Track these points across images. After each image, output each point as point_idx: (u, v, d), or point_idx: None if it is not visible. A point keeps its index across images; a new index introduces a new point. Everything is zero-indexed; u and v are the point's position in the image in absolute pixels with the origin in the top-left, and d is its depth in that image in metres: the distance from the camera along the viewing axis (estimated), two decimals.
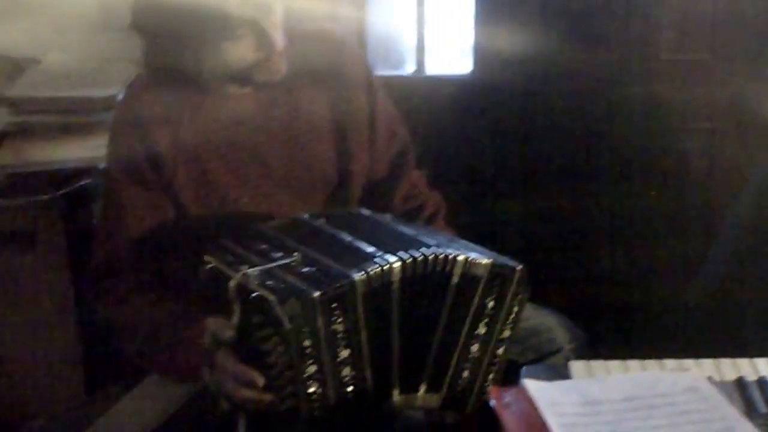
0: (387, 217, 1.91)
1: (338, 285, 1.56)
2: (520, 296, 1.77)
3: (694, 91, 3.17)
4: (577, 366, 1.66)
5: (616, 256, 3.31)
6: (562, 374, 1.63)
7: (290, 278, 1.59)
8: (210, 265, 1.69)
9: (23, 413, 2.63)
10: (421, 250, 1.67)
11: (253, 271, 1.59)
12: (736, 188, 2.94)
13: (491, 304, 1.73)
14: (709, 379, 1.54)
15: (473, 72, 3.27)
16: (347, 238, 1.74)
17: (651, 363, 1.66)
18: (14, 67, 2.99)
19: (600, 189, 3.28)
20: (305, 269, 1.62)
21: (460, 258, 1.68)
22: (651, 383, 1.52)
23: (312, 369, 1.56)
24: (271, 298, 1.53)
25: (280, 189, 2.06)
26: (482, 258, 1.70)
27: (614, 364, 1.66)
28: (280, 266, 1.62)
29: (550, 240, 3.23)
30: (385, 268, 1.61)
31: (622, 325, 3.09)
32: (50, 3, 2.98)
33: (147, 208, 2.00)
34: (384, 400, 1.69)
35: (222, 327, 1.65)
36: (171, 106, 2.00)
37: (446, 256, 1.67)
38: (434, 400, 1.74)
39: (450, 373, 1.74)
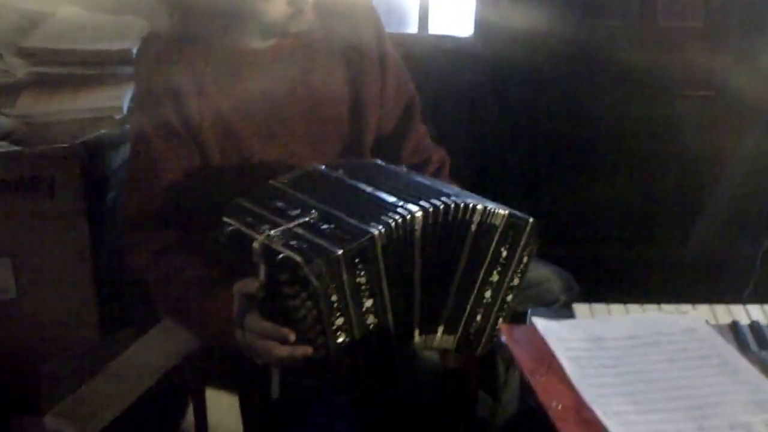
0: (403, 168, 1.97)
1: (359, 241, 1.62)
2: (530, 247, 1.85)
3: (689, 58, 3.19)
4: (580, 308, 1.75)
5: (613, 214, 3.36)
6: (567, 316, 1.71)
7: (312, 237, 1.64)
8: (231, 227, 1.74)
9: (41, 354, 2.66)
10: (441, 198, 1.73)
11: (275, 231, 1.65)
12: (729, 152, 3.03)
13: (505, 252, 1.81)
14: (706, 321, 1.63)
15: (474, 34, 3.30)
16: (367, 188, 1.80)
17: (650, 307, 1.75)
18: (28, 19, 3.01)
19: (596, 148, 3.33)
20: (324, 226, 1.67)
21: (479, 207, 1.75)
22: (652, 323, 1.60)
23: (340, 321, 1.63)
24: (298, 259, 1.58)
25: (300, 143, 2.11)
26: (499, 208, 1.77)
27: (615, 307, 1.75)
28: (300, 224, 1.67)
29: (550, 194, 3.29)
30: (407, 217, 1.68)
31: (618, 279, 3.14)
32: None
33: (176, 159, 2.03)
34: (406, 341, 1.76)
35: (249, 286, 1.70)
36: (195, 60, 2.03)
37: (466, 205, 1.74)
38: (450, 341, 1.82)
39: (465, 316, 1.82)
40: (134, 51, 2.78)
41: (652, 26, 3.23)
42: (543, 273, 2.23)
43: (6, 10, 3.06)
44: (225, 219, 1.76)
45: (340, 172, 1.89)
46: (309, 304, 1.61)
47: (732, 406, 1.38)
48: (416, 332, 1.77)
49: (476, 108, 3.30)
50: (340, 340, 1.65)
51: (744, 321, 1.70)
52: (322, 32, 2.10)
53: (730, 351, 1.52)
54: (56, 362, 2.60)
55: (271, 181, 1.86)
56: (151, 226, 2.04)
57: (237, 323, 1.75)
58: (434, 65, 3.21)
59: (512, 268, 1.84)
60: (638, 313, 1.71)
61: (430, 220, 1.71)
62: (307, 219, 1.68)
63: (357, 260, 1.62)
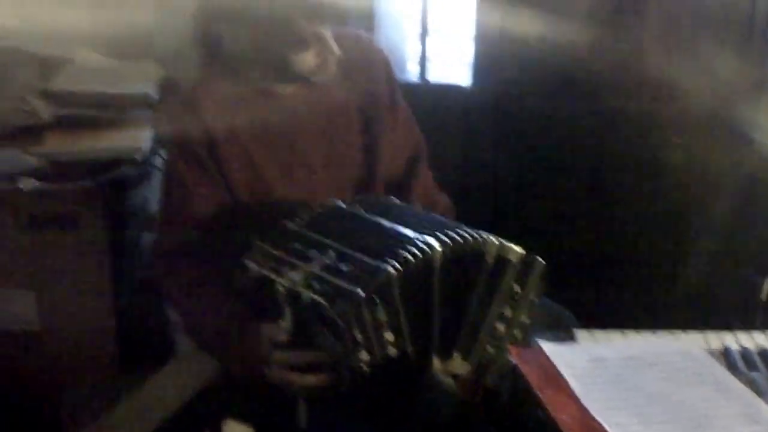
0: (418, 205, 2.08)
1: (377, 280, 1.68)
2: (539, 287, 1.93)
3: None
4: (581, 334, 1.87)
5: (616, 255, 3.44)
6: (569, 340, 1.83)
7: (332, 278, 1.71)
8: (253, 271, 1.81)
9: (62, 385, 2.77)
10: (458, 231, 1.81)
11: (297, 275, 1.73)
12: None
13: (518, 289, 1.88)
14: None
15: (473, 83, 3.40)
16: (386, 222, 1.87)
17: (646, 333, 1.87)
18: (48, 64, 3.11)
19: (596, 190, 3.41)
20: (343, 266, 1.73)
21: (495, 241, 1.83)
22: (649, 346, 1.71)
23: (365, 356, 1.70)
24: (323, 301, 1.66)
25: (318, 182, 2.20)
26: (514, 247, 1.86)
27: (613, 334, 1.87)
28: (320, 266, 1.74)
29: (549, 236, 3.34)
30: (426, 250, 1.75)
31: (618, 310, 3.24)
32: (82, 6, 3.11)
33: (208, 189, 2.12)
34: (425, 367, 1.82)
35: (276, 332, 1.80)
36: (226, 100, 2.13)
37: (483, 238, 1.82)
38: (467, 367, 1.88)
39: (478, 345, 1.88)
40: (152, 95, 2.91)
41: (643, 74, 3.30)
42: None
43: (27, 55, 3.15)
44: (246, 262, 1.83)
45: (358, 207, 1.96)
46: (335, 342, 1.69)
47: (726, 419, 1.48)
48: (435, 358, 1.83)
49: (476, 155, 3.38)
50: (365, 371, 1.71)
51: (734, 347, 1.80)
52: (340, 79, 2.19)
53: (722, 371, 1.63)
54: (77, 393, 2.69)
55: (287, 223, 1.91)
56: (184, 257, 2.13)
57: (266, 362, 1.85)
58: (434, 114, 3.28)
59: (523, 306, 1.91)
60: (635, 338, 1.83)
61: (449, 252, 1.78)
62: (325, 260, 1.75)
63: (377, 299, 1.69)
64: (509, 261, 1.86)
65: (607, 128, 3.32)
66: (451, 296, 1.82)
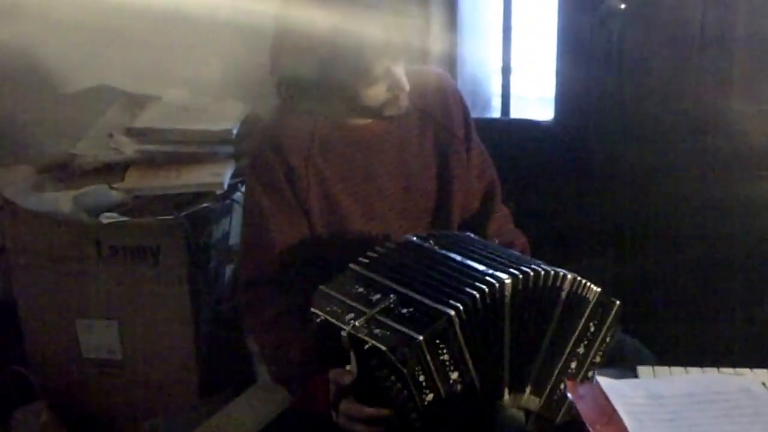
0: (495, 240, 2.07)
1: (438, 323, 1.68)
2: (614, 328, 1.92)
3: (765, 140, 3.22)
4: (643, 370, 1.86)
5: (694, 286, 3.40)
6: (631, 377, 1.82)
7: (394, 323, 1.71)
8: (319, 318, 1.82)
9: (143, 413, 2.83)
10: (531, 266, 1.81)
11: (360, 321, 1.73)
12: None
13: (593, 328, 1.88)
14: (763, 384, 1.69)
15: (555, 119, 3.38)
16: (457, 257, 1.87)
17: (710, 370, 1.84)
18: (138, 103, 3.21)
19: (678, 235, 3.35)
20: (404, 311, 1.73)
21: (569, 276, 1.83)
22: (709, 383, 1.68)
23: (430, 397, 1.70)
24: (383, 348, 1.66)
25: (394, 216, 2.23)
26: (591, 283, 1.85)
27: (677, 370, 1.85)
28: (382, 310, 1.74)
29: (625, 273, 3.34)
30: (496, 285, 1.75)
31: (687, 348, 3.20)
32: (174, 46, 3.23)
33: (288, 222, 2.16)
34: (494, 400, 1.82)
35: (342, 377, 1.82)
36: (302, 133, 2.17)
37: (556, 273, 1.82)
38: (537, 402, 1.86)
39: (551, 381, 1.87)
40: (234, 131, 2.96)
41: (728, 109, 3.26)
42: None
43: (117, 94, 3.27)
44: (312, 310, 1.84)
45: (431, 242, 1.96)
46: (399, 385, 1.69)
47: None
48: (505, 391, 1.83)
49: (557, 190, 3.37)
50: (432, 411, 1.72)
51: None
52: (416, 112, 2.23)
53: None
54: (156, 420, 2.75)
55: (351, 266, 1.91)
56: (266, 290, 2.17)
57: (333, 407, 1.87)
58: (517, 148, 3.30)
59: (597, 344, 1.90)
60: (697, 374, 1.80)
61: (521, 287, 1.78)
62: (388, 304, 1.75)
63: (438, 341, 1.68)
64: (586, 298, 1.85)
65: (682, 168, 3.29)
66: (525, 330, 1.82)
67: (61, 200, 2.75)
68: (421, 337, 1.66)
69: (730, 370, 1.83)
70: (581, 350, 1.88)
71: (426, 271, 1.84)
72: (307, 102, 2.15)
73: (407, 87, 2.11)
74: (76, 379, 2.95)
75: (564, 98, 3.35)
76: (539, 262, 1.87)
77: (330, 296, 1.84)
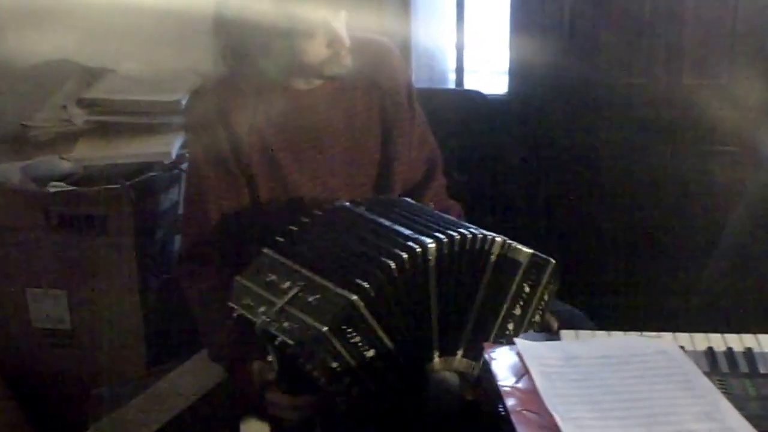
0: (430, 206, 2.06)
1: (341, 310, 1.69)
2: (551, 286, 1.93)
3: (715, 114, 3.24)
4: (566, 333, 1.86)
5: (638, 262, 3.43)
6: (554, 340, 1.82)
7: (301, 314, 1.72)
8: (236, 314, 1.84)
9: (91, 381, 2.80)
10: (459, 230, 1.81)
11: (269, 315, 1.75)
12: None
13: (527, 289, 1.89)
14: (682, 348, 1.70)
15: (508, 93, 3.40)
16: (385, 222, 1.87)
17: (632, 333, 1.84)
18: (92, 75, 3.21)
19: (623, 204, 3.39)
20: (311, 298, 1.74)
21: (498, 239, 1.83)
22: (627, 345, 1.67)
23: (348, 380, 1.72)
24: (291, 342, 1.69)
25: (337, 179, 2.23)
26: (521, 245, 1.86)
27: (600, 333, 1.85)
28: (289, 300, 1.75)
29: (570, 245, 3.34)
30: (417, 250, 1.75)
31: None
32: (125, 20, 3.20)
33: (229, 192, 2.16)
34: (424, 364, 1.83)
35: (265, 371, 1.84)
36: (247, 100, 2.16)
37: (484, 236, 1.82)
38: (470, 365, 1.87)
39: (495, 327, 1.89)
40: (183, 102, 2.95)
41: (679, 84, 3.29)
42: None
43: (74, 67, 3.26)
44: (230, 304, 1.86)
45: (363, 208, 1.97)
46: (316, 373, 1.71)
47: (682, 415, 1.45)
48: (436, 354, 1.83)
49: (506, 161, 3.36)
50: (355, 392, 1.73)
51: (720, 348, 1.78)
52: (362, 79, 2.23)
53: (695, 370, 1.58)
54: (104, 389, 2.71)
55: (265, 250, 1.90)
56: (205, 260, 2.16)
57: (260, 397, 1.89)
58: (468, 119, 3.29)
59: (534, 305, 1.92)
60: (618, 337, 1.80)
61: (446, 250, 1.78)
62: (296, 292, 1.76)
63: (344, 327, 1.70)
64: (517, 261, 1.86)
65: (629, 139, 3.32)
66: (454, 294, 1.83)
67: (10, 170, 2.75)
68: (325, 328, 1.67)
69: (653, 333, 1.82)
70: (517, 311, 1.90)
71: (347, 241, 1.85)
72: (250, 65, 2.14)
73: (347, 42, 2.10)
74: (26, 348, 2.94)
75: (517, 72, 3.36)
76: (471, 226, 1.87)
77: (245, 287, 1.85)
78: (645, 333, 1.83)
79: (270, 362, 1.80)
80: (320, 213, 1.97)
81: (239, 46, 2.11)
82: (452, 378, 1.93)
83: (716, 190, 3.32)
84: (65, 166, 2.81)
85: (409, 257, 1.75)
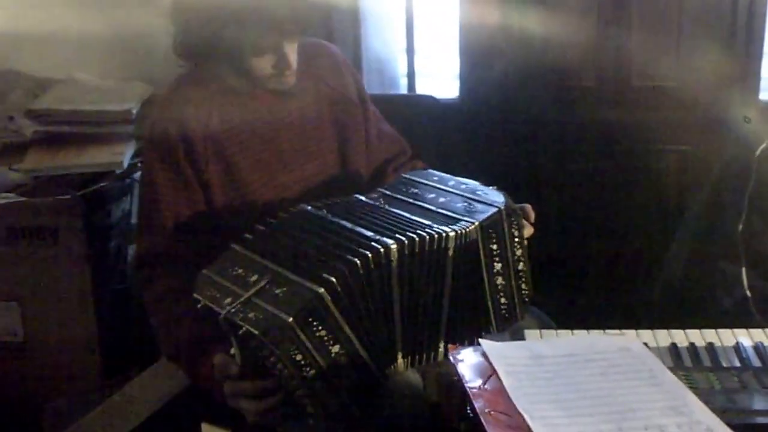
0: (381, 201, 2.02)
1: (307, 302, 1.68)
2: (514, 224, 1.95)
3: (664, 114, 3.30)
4: (530, 333, 1.85)
5: (592, 262, 3.45)
6: (517, 340, 1.81)
7: (266, 305, 1.70)
8: (200, 303, 1.80)
9: (46, 394, 2.77)
10: (417, 231, 1.81)
11: (234, 305, 1.72)
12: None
13: (495, 245, 1.90)
14: (645, 344, 1.70)
15: (459, 96, 3.41)
16: (347, 224, 1.86)
17: (595, 332, 1.84)
18: (40, 85, 3.15)
19: (576, 202, 3.42)
20: (278, 291, 1.72)
21: (451, 233, 1.82)
22: (590, 343, 1.68)
23: (311, 373, 1.70)
24: (256, 332, 1.65)
25: (293, 181, 2.22)
26: (470, 225, 1.85)
27: (562, 332, 1.85)
28: (256, 292, 1.73)
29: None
30: (381, 251, 1.75)
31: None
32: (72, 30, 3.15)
33: (182, 198, 2.13)
34: (387, 365, 1.83)
35: (227, 364, 1.82)
36: (201, 103, 2.15)
37: (439, 235, 1.81)
38: (433, 365, 1.88)
39: (491, 306, 1.92)
40: (134, 111, 2.92)
41: (627, 87, 3.32)
42: None
43: (21, 77, 3.21)
44: (194, 295, 1.82)
45: (324, 211, 1.95)
46: (280, 365, 1.69)
47: (650, 411, 1.46)
48: (399, 355, 1.84)
49: (459, 164, 3.36)
50: (318, 385, 1.72)
51: (683, 344, 1.80)
52: (311, 80, 2.24)
53: (659, 366, 1.59)
54: (59, 401, 2.70)
55: (233, 245, 1.89)
56: (159, 266, 2.13)
57: (222, 391, 1.86)
58: (421, 124, 3.30)
59: (509, 249, 1.94)
60: (582, 336, 1.80)
61: (407, 251, 1.78)
62: (263, 285, 1.74)
63: (310, 319, 1.68)
64: (473, 240, 1.87)
65: (585, 142, 3.37)
66: (419, 293, 1.83)
67: None
68: (290, 318, 1.65)
69: (616, 331, 1.83)
70: (498, 266, 1.92)
71: (312, 241, 1.83)
72: (203, 70, 2.15)
73: (294, 66, 2.11)
74: None
75: (468, 76, 3.37)
76: (429, 224, 1.86)
77: (210, 279, 1.82)
78: (608, 331, 1.84)
79: (233, 355, 1.79)
80: (285, 215, 1.95)
81: (191, 40, 2.11)
82: (416, 380, 1.95)
83: (663, 188, 3.38)
84: (14, 177, 2.78)
85: (372, 256, 1.75)
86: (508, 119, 3.35)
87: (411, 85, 3.52)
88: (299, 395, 1.73)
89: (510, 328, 1.97)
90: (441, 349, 1.88)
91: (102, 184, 2.77)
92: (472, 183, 2.06)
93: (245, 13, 2.02)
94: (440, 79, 3.69)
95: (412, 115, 2.87)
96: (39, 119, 2.93)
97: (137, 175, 2.89)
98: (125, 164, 2.82)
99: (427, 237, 1.81)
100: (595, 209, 3.41)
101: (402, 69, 3.56)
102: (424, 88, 3.58)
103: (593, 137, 3.35)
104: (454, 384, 1.86)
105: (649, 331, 1.85)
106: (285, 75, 2.12)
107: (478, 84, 3.36)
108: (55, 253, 2.73)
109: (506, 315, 1.97)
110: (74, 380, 2.81)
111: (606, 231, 3.43)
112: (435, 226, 1.85)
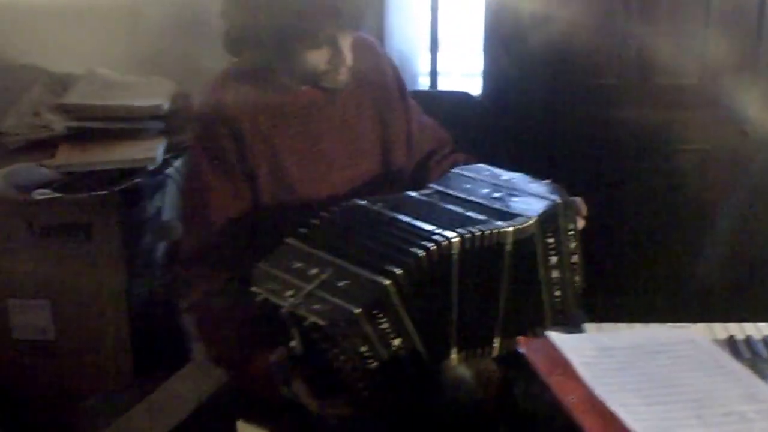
0: (434, 197, 2.07)
1: (373, 294, 1.72)
2: (569, 217, 2.03)
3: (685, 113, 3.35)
4: (590, 326, 1.93)
5: (614, 266, 3.48)
6: (578, 333, 1.89)
7: (331, 297, 1.73)
8: (259, 297, 1.82)
9: (78, 393, 2.81)
10: (476, 226, 1.86)
11: (298, 297, 1.75)
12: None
13: (551, 239, 1.97)
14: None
15: (482, 93, 3.45)
16: (405, 218, 1.90)
17: (652, 325, 1.92)
18: (60, 81, 3.21)
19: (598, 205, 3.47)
20: (341, 283, 1.75)
21: (510, 229, 1.88)
22: (654, 336, 1.76)
23: (374, 365, 1.74)
24: (322, 323, 1.68)
25: (337, 176, 2.26)
26: (527, 220, 1.91)
27: (621, 326, 1.93)
28: (319, 285, 1.76)
29: None
30: (444, 243, 1.79)
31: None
32: (96, 25, 3.23)
33: (231, 195, 2.15)
34: (441, 360, 1.87)
35: (284, 359, 1.84)
36: (250, 98, 2.17)
37: (499, 230, 1.87)
38: (486, 361, 1.94)
39: (548, 299, 1.99)
40: (165, 106, 2.97)
41: (650, 84, 3.38)
42: None
43: (38, 72, 3.26)
44: (252, 288, 1.83)
45: (379, 205, 1.98)
46: (343, 357, 1.72)
47: (727, 398, 1.52)
48: (453, 351, 1.88)
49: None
50: (379, 378, 1.76)
51: (738, 336, 1.87)
52: (354, 76, 2.23)
53: (726, 357, 1.67)
54: (92, 400, 2.74)
55: (288, 240, 1.91)
56: (208, 262, 2.14)
57: (282, 385, 1.89)
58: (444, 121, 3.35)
59: (563, 243, 2.01)
60: (642, 328, 1.88)
61: (467, 245, 1.82)
62: (325, 277, 1.77)
63: (376, 311, 1.72)
64: (530, 235, 1.92)
65: (606, 141, 3.41)
66: (475, 289, 1.87)
67: None
68: (358, 309, 1.69)
69: (672, 325, 1.91)
70: (554, 259, 1.99)
71: (371, 234, 1.87)
72: (252, 65, 2.18)
73: (348, 62, 2.14)
74: (9, 361, 2.93)
75: (490, 74, 3.42)
76: (485, 219, 1.91)
77: (268, 273, 1.84)
78: (665, 324, 1.92)
79: (292, 348, 1.80)
80: (338, 210, 1.98)
81: (244, 33, 2.13)
82: (466, 375, 1.97)
83: (685, 189, 3.43)
84: (46, 173, 2.81)
85: (436, 248, 1.79)
86: (530, 117, 3.39)
87: (433, 83, 3.56)
88: (359, 388, 1.76)
89: (562, 321, 2.04)
90: (495, 344, 1.94)
91: (137, 180, 2.80)
92: (526, 177, 2.12)
93: (304, 3, 2.04)
94: (458, 77, 3.75)
95: (448, 111, 2.91)
96: (69, 114, 2.97)
97: (169, 171, 2.95)
98: (159, 160, 2.87)
99: (486, 232, 1.85)
100: (616, 208, 3.45)
101: (422, 67, 3.61)
102: (444, 86, 3.63)
103: (617, 135, 3.40)
104: (493, 381, 1.97)
105: (704, 325, 1.92)
106: (339, 71, 2.15)
107: (500, 82, 3.40)
108: (88, 250, 2.77)
109: (560, 308, 2.03)
110: (105, 379, 2.86)
111: (627, 230, 3.49)
112: (491, 221, 1.90)
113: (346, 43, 2.13)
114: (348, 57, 2.14)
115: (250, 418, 2.31)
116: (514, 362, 1.87)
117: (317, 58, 2.12)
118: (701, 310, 2.91)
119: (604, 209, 3.40)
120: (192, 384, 2.51)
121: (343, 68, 2.15)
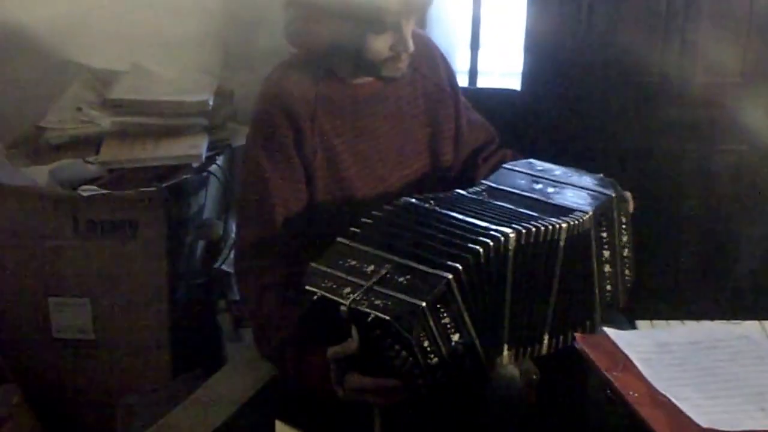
0: (485, 195, 2.13)
1: (438, 287, 1.75)
2: (622, 211, 2.10)
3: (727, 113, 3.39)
4: (642, 323, 2.01)
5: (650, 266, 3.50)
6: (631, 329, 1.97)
7: (393, 292, 1.76)
8: (315, 295, 1.83)
9: (116, 391, 2.86)
10: (531, 222, 1.91)
11: (358, 293, 1.77)
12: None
13: (605, 233, 2.05)
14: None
15: (522, 90, 3.48)
16: (458, 215, 1.96)
17: (705, 321, 2.00)
18: (100, 77, 3.27)
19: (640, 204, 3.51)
20: (401, 278, 1.79)
21: (564, 225, 1.94)
22: (709, 332, 1.84)
23: (435, 361, 1.77)
24: (387, 317, 1.71)
25: (389, 173, 2.31)
26: (583, 215, 1.98)
27: (673, 323, 2.00)
28: (378, 281, 1.79)
29: None
30: (501, 239, 1.85)
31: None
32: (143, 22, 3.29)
33: (291, 189, 2.19)
34: (494, 357, 1.92)
35: (346, 349, 1.85)
36: (309, 91, 2.22)
37: (553, 226, 1.93)
38: (544, 348, 1.99)
39: (597, 296, 2.05)
40: (210, 102, 3.02)
41: (692, 82, 3.41)
42: None
43: (79, 68, 3.33)
44: (307, 288, 1.86)
45: (431, 203, 2.04)
46: (404, 353, 1.75)
47: None
48: (505, 348, 1.93)
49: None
50: (437, 375, 1.79)
51: None
52: (408, 69, 2.28)
53: None
54: (131, 398, 2.77)
55: (339, 239, 1.93)
56: (268, 256, 2.17)
57: (336, 383, 1.91)
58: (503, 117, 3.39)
59: (616, 237, 2.08)
60: (695, 325, 1.96)
61: (522, 241, 1.88)
62: (384, 274, 1.80)
63: (439, 305, 1.75)
64: (585, 230, 1.99)
65: (646, 139, 3.45)
66: (528, 285, 1.93)
67: (37, 174, 2.80)
68: (423, 303, 1.72)
69: (723, 322, 1.98)
70: (606, 254, 2.06)
71: (425, 232, 1.91)
72: (311, 45, 2.22)
73: (411, 49, 2.18)
74: (48, 360, 2.96)
75: (531, 72, 3.46)
76: (537, 215, 1.98)
77: (323, 272, 1.87)
78: (716, 321, 1.99)
79: (351, 343, 1.84)
80: (390, 208, 2.03)
81: (306, 24, 2.18)
82: (514, 373, 2.03)
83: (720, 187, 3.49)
84: (91, 169, 2.87)
85: (493, 244, 1.84)
86: (570, 115, 3.44)
87: (472, 81, 3.59)
88: (418, 384, 1.79)
89: (611, 315, 2.10)
90: (545, 342, 1.98)
91: (184, 177, 2.84)
92: (578, 171, 2.19)
93: None
94: (497, 75, 3.77)
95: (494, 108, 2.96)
96: (115, 109, 3.02)
97: (212, 168, 3.00)
98: (203, 157, 2.92)
99: (542, 228, 1.91)
100: (656, 204, 3.49)
101: (461, 65, 3.65)
102: (484, 83, 3.65)
103: (657, 134, 3.45)
104: (532, 381, 2.04)
105: (755, 322, 1.99)
106: (401, 59, 2.19)
107: (540, 80, 3.44)
108: (132, 248, 2.80)
109: (610, 302, 2.10)
110: (144, 378, 2.89)
111: (661, 227, 3.53)
112: (544, 217, 1.96)
113: (408, 31, 2.16)
114: (410, 43, 2.17)
115: (288, 420, 2.35)
116: (554, 362, 1.99)
117: (381, 44, 2.15)
118: (738, 309, 2.97)
119: (638, 207, 3.51)
120: (234, 384, 2.55)
121: (404, 55, 2.19)
